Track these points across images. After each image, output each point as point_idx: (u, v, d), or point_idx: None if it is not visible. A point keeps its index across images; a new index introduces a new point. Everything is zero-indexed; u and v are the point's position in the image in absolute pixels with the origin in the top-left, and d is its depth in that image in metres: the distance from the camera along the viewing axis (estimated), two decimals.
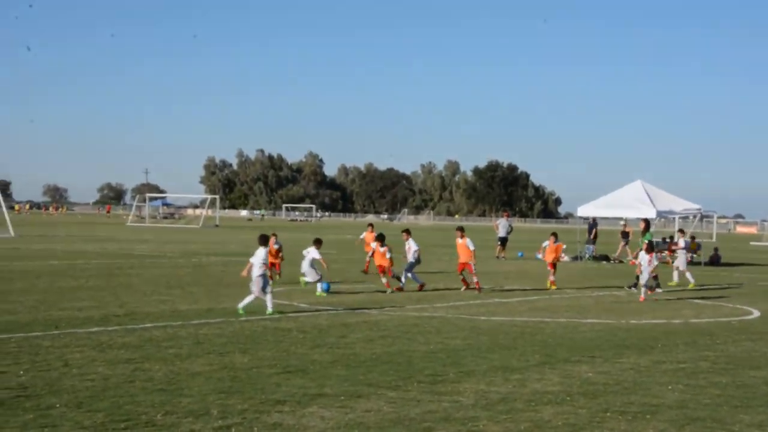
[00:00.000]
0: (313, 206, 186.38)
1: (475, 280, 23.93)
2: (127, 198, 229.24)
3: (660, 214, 41.55)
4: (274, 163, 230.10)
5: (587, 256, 42.97)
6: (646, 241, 24.43)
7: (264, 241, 18.33)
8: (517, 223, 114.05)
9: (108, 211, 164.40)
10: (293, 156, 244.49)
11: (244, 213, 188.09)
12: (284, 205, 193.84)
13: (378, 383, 10.96)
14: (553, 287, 25.23)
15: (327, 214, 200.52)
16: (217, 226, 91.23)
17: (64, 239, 51.27)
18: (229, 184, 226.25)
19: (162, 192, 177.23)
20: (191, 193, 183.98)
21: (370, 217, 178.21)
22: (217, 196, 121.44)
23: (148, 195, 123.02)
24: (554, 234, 26.77)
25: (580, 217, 45.21)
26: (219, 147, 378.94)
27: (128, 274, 26.87)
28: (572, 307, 20.90)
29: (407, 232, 25.09)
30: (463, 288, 24.04)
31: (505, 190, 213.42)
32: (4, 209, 58.33)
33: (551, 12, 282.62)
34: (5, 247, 40.25)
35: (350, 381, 11.06)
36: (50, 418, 8.76)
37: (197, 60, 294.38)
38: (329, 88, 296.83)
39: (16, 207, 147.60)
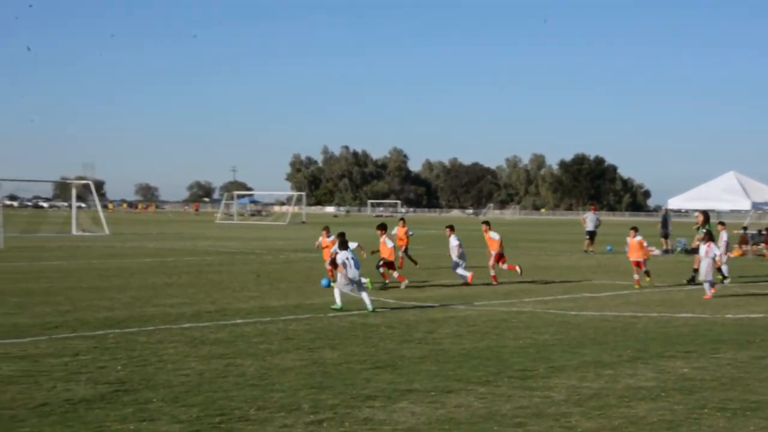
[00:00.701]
0: (398, 202, 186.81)
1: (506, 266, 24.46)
2: (216, 196, 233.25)
3: (756, 205, 40.36)
4: (359, 159, 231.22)
5: (679, 249, 42.02)
6: (703, 232, 23.39)
7: (343, 241, 18.11)
8: (605, 216, 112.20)
9: (196, 209, 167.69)
10: (378, 152, 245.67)
11: (329, 209, 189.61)
12: (369, 201, 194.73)
13: (468, 379, 10.91)
14: (637, 286, 23.28)
15: (412, 209, 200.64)
16: (303, 222, 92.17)
17: (155, 237, 52.46)
18: (315, 181, 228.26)
19: (249, 190, 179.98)
20: (277, 190, 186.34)
21: (456, 212, 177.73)
22: (303, 193, 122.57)
23: (235, 193, 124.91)
24: (634, 228, 24.35)
25: (671, 210, 44.20)
26: (304, 144, 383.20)
27: (218, 270, 27.34)
28: (664, 301, 20.44)
29: (450, 228, 24.88)
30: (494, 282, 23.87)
31: (592, 183, 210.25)
32: (99, 208, 60.03)
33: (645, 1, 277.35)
34: (101, 245, 41.41)
35: (440, 376, 11.03)
36: (148, 412, 8.96)
37: (283, 59, 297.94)
38: (412, 84, 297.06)
39: (110, 206, 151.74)
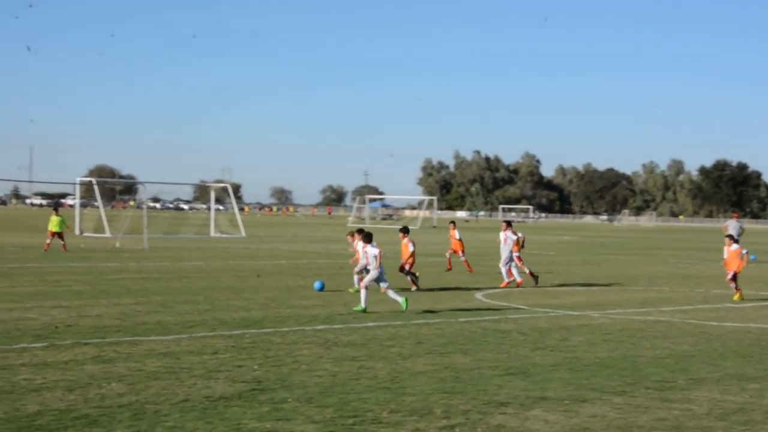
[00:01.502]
0: (530, 207, 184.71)
1: (527, 271, 24.64)
2: (348, 200, 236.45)
3: None
4: (491, 164, 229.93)
5: None
6: None
7: (368, 235, 18.42)
8: (749, 224, 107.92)
9: (329, 213, 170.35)
10: (510, 157, 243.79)
11: (460, 214, 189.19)
12: (500, 206, 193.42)
13: (603, 388, 10.67)
14: (736, 299, 21.62)
15: (544, 215, 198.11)
16: (434, 227, 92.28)
17: (289, 239, 53.58)
18: (446, 186, 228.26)
19: (381, 194, 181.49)
20: (409, 194, 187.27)
21: (589, 218, 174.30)
22: (434, 198, 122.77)
23: (367, 197, 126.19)
24: (729, 237, 22.39)
25: None
26: (436, 149, 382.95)
27: (350, 274, 27.63)
28: None
29: (508, 223, 24.93)
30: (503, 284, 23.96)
31: (734, 190, 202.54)
32: (236, 210, 61.75)
33: None
34: (238, 246, 42.58)
35: (573, 385, 10.83)
36: (283, 411, 9.14)
37: (414, 65, 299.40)
38: (545, 88, 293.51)
39: (246, 208, 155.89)
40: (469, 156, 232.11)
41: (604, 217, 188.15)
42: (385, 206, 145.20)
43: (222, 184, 73.90)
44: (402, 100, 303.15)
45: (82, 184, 63.60)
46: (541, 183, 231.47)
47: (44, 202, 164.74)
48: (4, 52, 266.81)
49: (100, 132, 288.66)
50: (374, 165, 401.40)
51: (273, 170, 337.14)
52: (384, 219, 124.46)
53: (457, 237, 28.77)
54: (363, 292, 17.72)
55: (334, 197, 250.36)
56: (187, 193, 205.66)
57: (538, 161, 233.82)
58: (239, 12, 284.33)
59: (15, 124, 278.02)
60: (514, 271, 24.16)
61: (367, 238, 18.39)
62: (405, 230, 23.74)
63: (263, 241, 49.20)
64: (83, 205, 64.40)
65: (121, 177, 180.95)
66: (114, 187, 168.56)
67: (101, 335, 13.61)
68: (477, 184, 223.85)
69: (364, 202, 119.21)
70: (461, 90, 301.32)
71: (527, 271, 24.87)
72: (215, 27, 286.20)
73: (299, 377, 10.87)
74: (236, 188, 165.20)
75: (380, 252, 17.80)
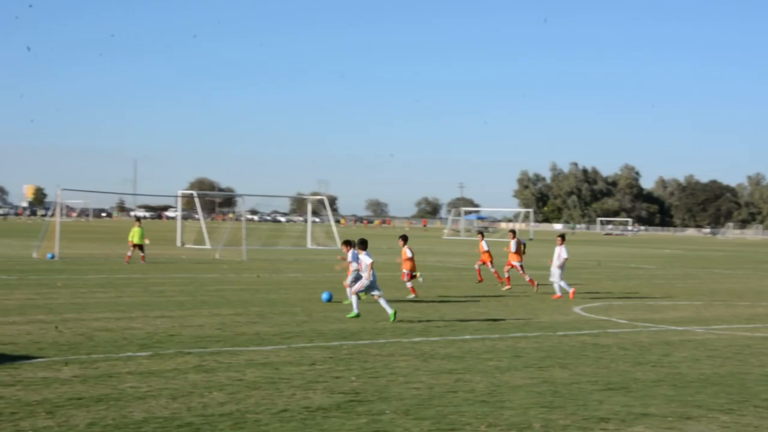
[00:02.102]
0: (629, 220, 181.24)
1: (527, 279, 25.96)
2: (443, 212, 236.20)
3: None
4: (588, 176, 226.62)
5: None
6: None
7: (363, 241, 18.43)
8: None
9: (424, 225, 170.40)
10: (608, 169, 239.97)
11: (557, 227, 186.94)
12: (599, 219, 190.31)
13: (708, 405, 10.36)
14: None
15: (643, 228, 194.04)
16: (530, 239, 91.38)
17: (384, 252, 53.77)
18: (542, 198, 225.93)
19: (476, 206, 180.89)
20: (505, 206, 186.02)
21: (691, 231, 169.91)
22: (530, 210, 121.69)
23: (462, 209, 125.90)
24: None
25: None
26: (532, 161, 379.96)
27: (445, 286, 27.61)
28: None
29: (562, 237, 24.81)
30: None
31: None
32: (332, 222, 62.31)
33: None
34: (334, 258, 42.90)
35: (677, 402, 10.55)
36: (381, 423, 9.15)
37: (511, 77, 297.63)
38: (643, 99, 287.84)
39: (342, 220, 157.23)
40: (566, 168, 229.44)
41: (707, 230, 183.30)
42: (480, 219, 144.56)
43: (318, 197, 74.71)
44: (498, 113, 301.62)
45: (183, 196, 65.24)
46: (641, 195, 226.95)
47: (147, 214, 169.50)
48: (106, 63, 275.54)
49: (201, 145, 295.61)
50: (470, 177, 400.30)
51: (369, 183, 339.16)
52: (479, 232, 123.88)
53: (485, 248, 28.78)
54: (354, 299, 17.86)
55: (429, 210, 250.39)
56: (285, 205, 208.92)
57: (637, 173, 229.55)
58: (342, 32, 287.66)
59: (119, 139, 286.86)
60: (505, 275, 26.11)
61: (362, 245, 18.41)
62: (404, 238, 24.22)
63: None
64: (184, 218, 66.01)
65: (221, 190, 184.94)
66: (214, 200, 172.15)
67: (203, 345, 13.90)
68: (574, 197, 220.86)
69: (459, 215, 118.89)
70: (558, 102, 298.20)
71: (527, 279, 26.22)
72: (320, 45, 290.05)
73: (396, 389, 10.87)
74: (332, 200, 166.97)
75: (372, 262, 17.80)
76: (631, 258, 54.60)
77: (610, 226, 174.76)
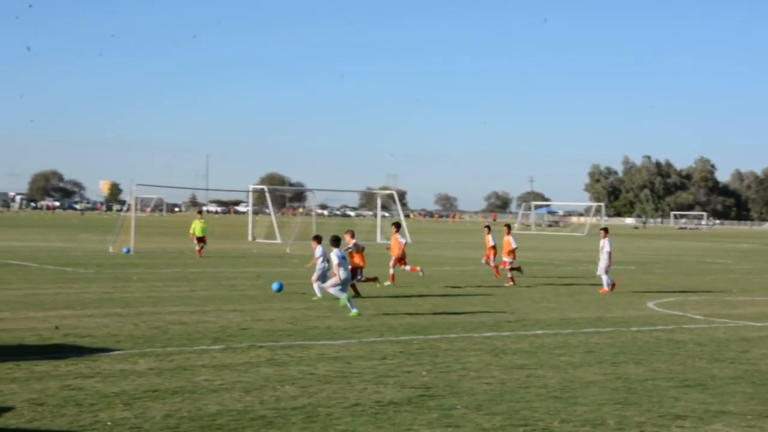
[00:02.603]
0: (704, 213, 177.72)
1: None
2: (513, 206, 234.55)
3: None
4: (662, 169, 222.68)
5: None
6: None
7: (336, 239, 18.18)
8: None
9: (494, 219, 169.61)
10: (682, 162, 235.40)
11: (629, 221, 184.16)
12: (672, 213, 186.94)
13: None
14: None
15: (719, 221, 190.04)
16: None
17: (454, 246, 53.63)
18: (614, 192, 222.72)
19: (546, 200, 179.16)
20: (575, 200, 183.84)
21: None
22: (602, 204, 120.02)
23: (533, 203, 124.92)
24: None
25: None
26: (604, 154, 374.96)
27: (516, 280, 27.39)
28: None
29: (605, 230, 24.69)
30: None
31: None
32: (402, 216, 62.35)
33: None
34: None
35: (757, 399, 10.30)
36: (452, 418, 9.12)
37: (581, 70, 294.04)
38: (718, 89, 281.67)
39: (411, 215, 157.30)
40: (638, 161, 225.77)
41: None
42: (551, 213, 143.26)
43: (388, 191, 74.87)
44: (569, 105, 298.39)
45: (254, 191, 65.99)
46: (716, 188, 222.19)
47: (219, 209, 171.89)
48: (180, 57, 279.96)
49: (272, 140, 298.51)
50: (540, 171, 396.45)
51: (438, 177, 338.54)
52: (550, 225, 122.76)
53: (492, 243, 28.52)
54: (342, 296, 17.23)
55: (499, 204, 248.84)
56: (354, 200, 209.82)
57: (712, 166, 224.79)
58: (411, 23, 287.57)
59: (193, 133, 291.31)
60: (501, 271, 26.42)
61: (334, 242, 18.19)
62: (397, 225, 25.03)
63: (428, 248, 49.43)
64: (255, 212, 66.75)
65: (291, 184, 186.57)
66: (284, 195, 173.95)
67: (274, 339, 14.03)
68: (647, 190, 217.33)
69: (529, 209, 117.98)
70: (629, 93, 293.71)
71: (492, 265, 27.17)
72: (387, 38, 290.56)
73: (468, 384, 10.83)
74: (402, 195, 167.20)
75: (339, 262, 17.42)
76: (706, 252, 53.51)
77: (683, 220, 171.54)
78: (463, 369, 11.81)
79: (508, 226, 28.18)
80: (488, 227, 30.16)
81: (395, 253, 24.37)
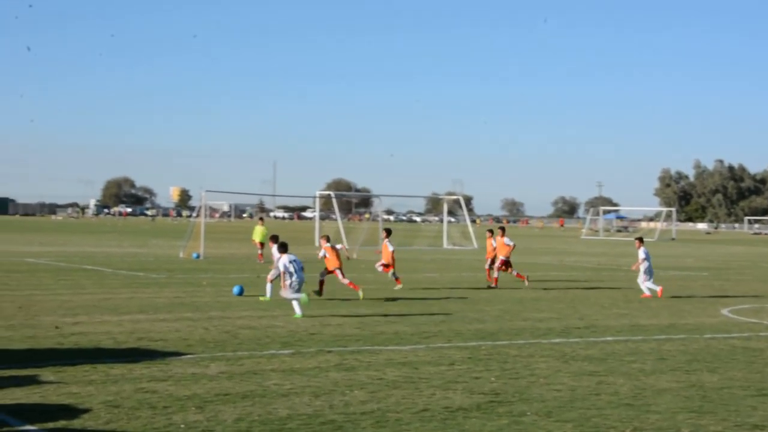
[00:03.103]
0: None
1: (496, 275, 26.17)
2: (581, 211, 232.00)
3: None
4: (735, 173, 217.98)
5: None
6: None
7: (283, 245, 18.28)
8: None
9: (561, 225, 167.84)
10: (756, 166, 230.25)
11: (701, 226, 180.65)
12: (746, 218, 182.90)
13: None
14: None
15: None
16: (673, 239, 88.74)
17: (521, 251, 53.21)
18: (685, 196, 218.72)
19: (615, 205, 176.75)
20: (645, 205, 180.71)
21: None
22: (672, 209, 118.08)
23: (601, 208, 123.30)
24: None
25: None
26: (674, 158, 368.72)
27: (585, 286, 27.10)
28: None
29: (640, 240, 24.83)
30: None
31: None
32: (468, 222, 62.17)
33: None
34: (470, 258, 42.82)
35: None
36: (522, 425, 9.05)
37: (648, 70, 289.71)
38: None
39: (477, 220, 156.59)
40: (710, 165, 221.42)
41: None
42: (620, 218, 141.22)
43: (454, 197, 74.69)
44: (638, 107, 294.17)
45: (321, 197, 66.44)
46: None
47: (286, 215, 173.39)
48: (252, 63, 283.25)
49: (338, 146, 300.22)
50: (609, 176, 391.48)
51: (504, 182, 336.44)
52: (619, 231, 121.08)
53: (494, 245, 27.80)
54: (298, 297, 17.49)
55: (566, 209, 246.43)
56: (420, 205, 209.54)
57: None
58: (482, 32, 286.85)
59: (260, 140, 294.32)
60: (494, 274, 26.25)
61: (281, 248, 18.22)
62: (388, 231, 25.59)
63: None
64: (322, 218, 67.20)
65: (357, 190, 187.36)
66: (350, 200, 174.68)
67: (342, 344, 14.09)
68: (719, 195, 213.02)
69: (597, 214, 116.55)
70: (701, 95, 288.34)
71: (515, 274, 26.64)
72: (460, 46, 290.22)
73: (537, 390, 10.74)
74: (468, 200, 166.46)
75: (283, 270, 17.63)
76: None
77: (757, 226, 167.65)
78: (532, 375, 11.72)
79: (503, 229, 28.06)
80: (491, 231, 29.85)
81: (386, 259, 24.66)
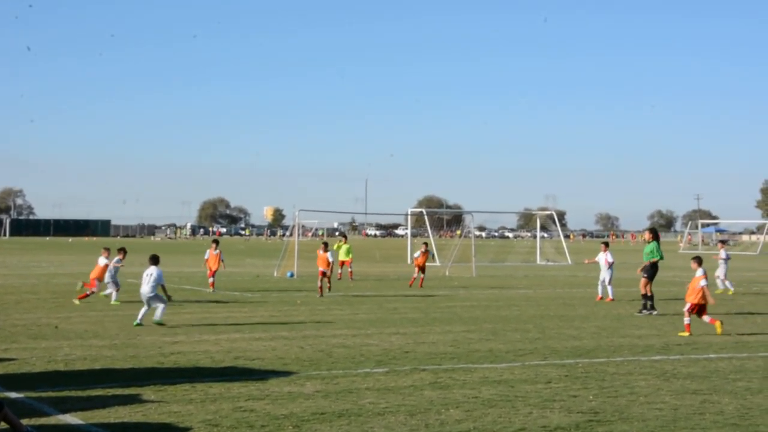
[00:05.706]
0: None
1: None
2: (678, 225, 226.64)
3: None
4: None
5: None
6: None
7: (154, 261, 18.89)
8: None
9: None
10: None
11: None
12: None
13: None
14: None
15: None
16: None
17: (616, 267, 52.19)
18: None
19: (714, 218, 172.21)
20: (746, 218, 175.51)
21: None
22: None
23: (699, 221, 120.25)
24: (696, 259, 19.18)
25: None
26: None
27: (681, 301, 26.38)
28: None
29: (605, 244, 27.53)
30: None
31: None
32: (562, 238, 61.40)
33: None
34: (565, 274, 42.27)
35: None
36: None
37: (747, 78, 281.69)
38: None
39: (571, 235, 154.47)
40: None
41: None
42: (719, 231, 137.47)
43: (547, 212, 73.88)
44: (737, 117, 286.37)
45: (413, 214, 66.54)
46: None
47: (378, 232, 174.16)
48: (334, 83, 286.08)
49: (429, 163, 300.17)
50: (707, 188, 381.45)
51: (598, 196, 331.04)
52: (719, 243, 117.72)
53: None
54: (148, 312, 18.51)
55: (663, 222, 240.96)
56: (512, 221, 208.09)
57: None
58: (571, 57, 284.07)
59: (352, 159, 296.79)
60: None
61: (152, 260, 18.95)
62: (325, 244, 28.07)
63: (590, 269, 48.37)
64: (413, 235, 67.26)
65: (448, 207, 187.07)
66: (442, 217, 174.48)
67: (437, 362, 14.03)
68: None
69: (696, 227, 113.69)
70: None
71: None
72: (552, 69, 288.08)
73: (638, 409, 10.48)
74: (561, 215, 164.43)
75: (152, 286, 18.40)
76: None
77: None
78: (632, 393, 11.45)
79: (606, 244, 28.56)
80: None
81: (323, 265, 27.12)
